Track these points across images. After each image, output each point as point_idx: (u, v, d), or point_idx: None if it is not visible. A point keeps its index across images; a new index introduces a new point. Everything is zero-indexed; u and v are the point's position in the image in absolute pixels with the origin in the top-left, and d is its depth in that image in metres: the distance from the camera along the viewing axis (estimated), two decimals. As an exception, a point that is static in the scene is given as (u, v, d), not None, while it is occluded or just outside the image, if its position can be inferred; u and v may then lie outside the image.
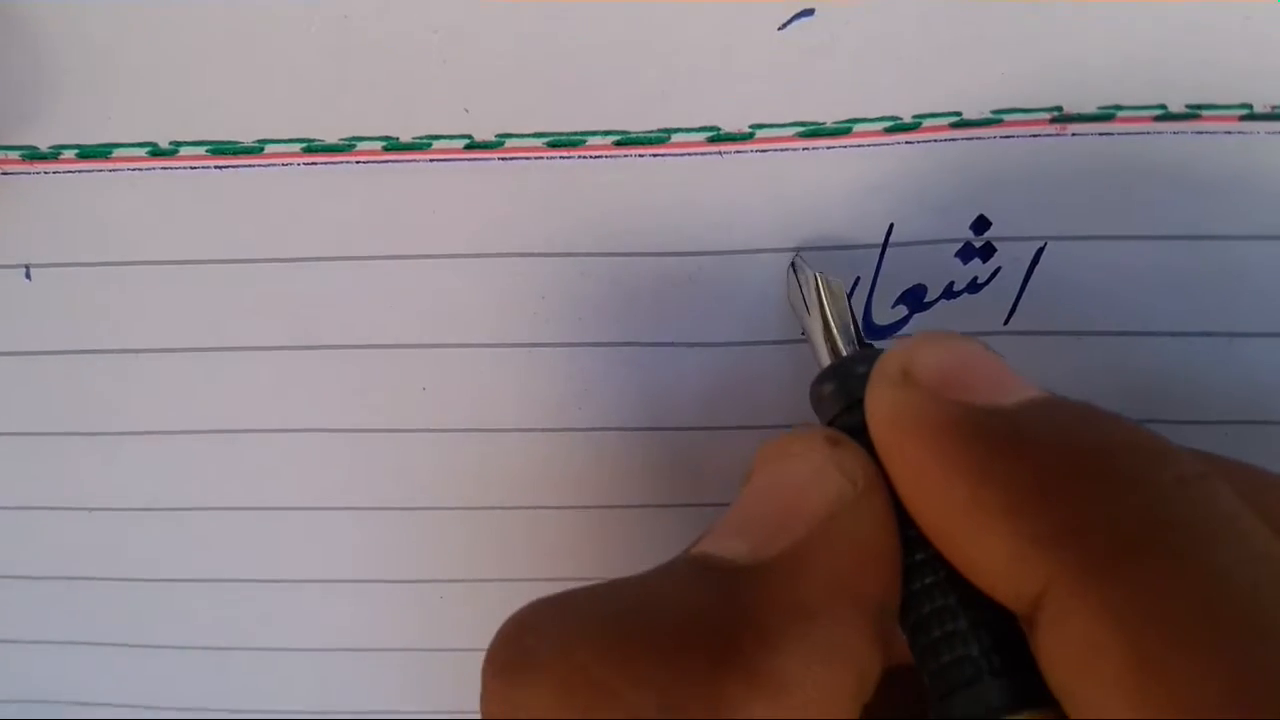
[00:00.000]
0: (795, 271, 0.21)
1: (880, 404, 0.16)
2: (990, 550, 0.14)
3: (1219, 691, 0.12)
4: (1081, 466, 0.14)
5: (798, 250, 0.22)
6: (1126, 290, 0.22)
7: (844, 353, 0.19)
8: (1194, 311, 0.22)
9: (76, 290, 0.23)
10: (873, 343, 0.20)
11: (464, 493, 0.25)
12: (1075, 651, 0.13)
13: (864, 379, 0.17)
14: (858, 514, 0.16)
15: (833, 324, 0.19)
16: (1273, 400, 0.23)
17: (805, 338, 0.20)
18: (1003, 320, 0.22)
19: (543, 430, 0.24)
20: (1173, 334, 0.22)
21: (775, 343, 0.23)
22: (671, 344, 0.23)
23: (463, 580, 0.26)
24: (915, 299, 0.22)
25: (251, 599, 0.26)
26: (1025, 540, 0.14)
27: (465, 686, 0.26)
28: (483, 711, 0.15)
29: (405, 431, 0.24)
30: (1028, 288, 0.22)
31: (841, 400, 0.18)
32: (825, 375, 0.18)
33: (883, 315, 0.22)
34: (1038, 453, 0.15)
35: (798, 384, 0.23)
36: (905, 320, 0.23)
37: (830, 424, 0.18)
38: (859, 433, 0.17)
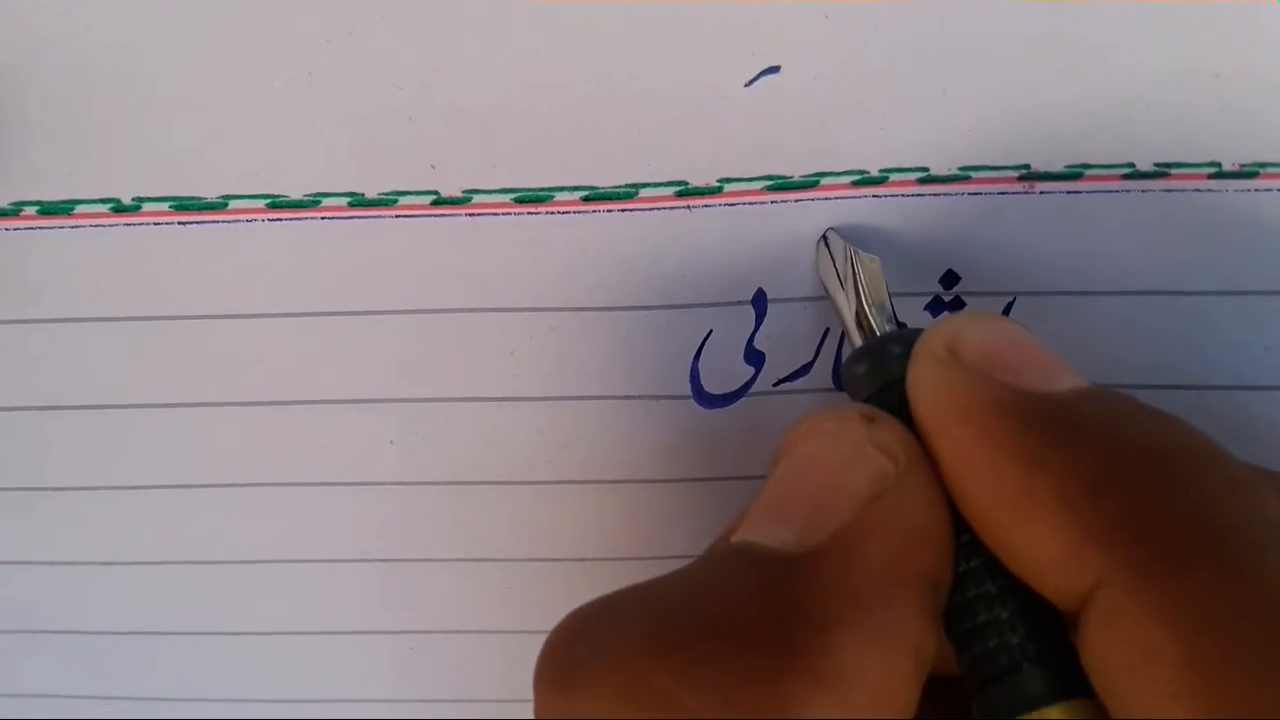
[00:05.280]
0: (827, 245, 0.20)
1: (925, 383, 0.16)
2: (1040, 542, 0.14)
3: (1274, 698, 0.12)
4: (1139, 463, 0.14)
5: (830, 229, 0.21)
6: (1096, 344, 0.22)
7: (879, 331, 0.19)
8: (1164, 365, 0.22)
9: (39, 347, 0.23)
10: (906, 325, 0.19)
11: (435, 546, 0.24)
12: (1126, 651, 0.13)
13: (900, 360, 0.17)
14: (902, 493, 0.15)
15: (866, 302, 0.19)
16: (1243, 453, 0.23)
17: (837, 316, 0.19)
18: (973, 374, 0.22)
19: (513, 484, 0.24)
20: (1143, 387, 0.22)
21: (748, 395, 0.23)
22: (640, 397, 0.23)
23: (431, 632, 0.25)
24: (885, 353, 0.22)
25: (219, 651, 0.26)
26: (1079, 535, 0.14)
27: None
28: None
29: (372, 485, 0.24)
30: (997, 343, 0.22)
31: (876, 381, 0.17)
32: (859, 355, 0.18)
33: (853, 368, 0.22)
34: (1094, 445, 0.14)
35: (772, 435, 0.23)
36: (876, 373, 0.22)
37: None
38: (896, 414, 0.16)
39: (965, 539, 0.15)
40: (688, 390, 0.23)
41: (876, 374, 0.17)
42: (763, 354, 0.22)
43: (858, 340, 0.19)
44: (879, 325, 0.19)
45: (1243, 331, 0.22)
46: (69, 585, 0.25)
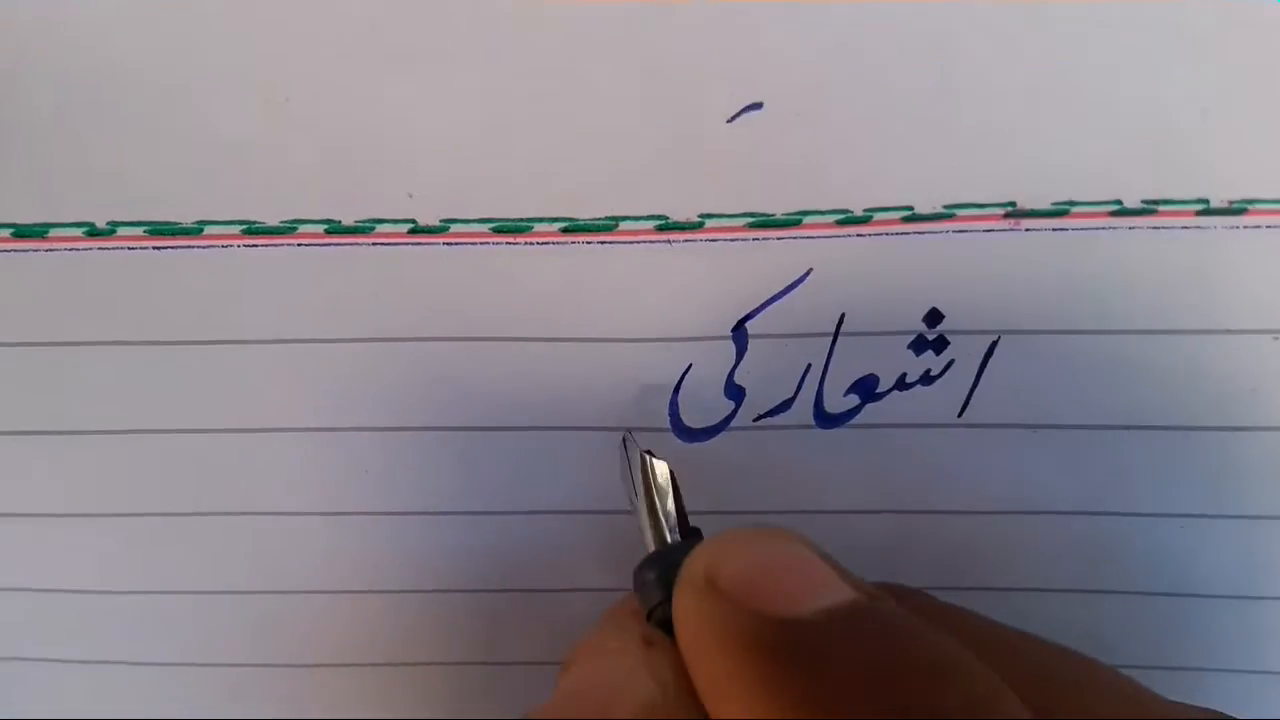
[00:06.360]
0: (625, 449, 0.21)
1: (683, 612, 0.16)
2: None
3: None
4: (871, 689, 0.14)
5: (629, 429, 0.21)
6: (1082, 384, 0.22)
7: (667, 539, 0.19)
8: (1150, 405, 0.22)
9: (13, 371, 0.22)
10: (698, 528, 0.20)
11: (409, 576, 0.24)
12: None
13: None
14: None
15: (658, 509, 0.19)
16: (1230, 494, 0.22)
17: (633, 514, 0.20)
18: (956, 412, 0.22)
19: (489, 514, 0.23)
20: (1128, 427, 0.22)
21: (728, 430, 0.22)
22: (620, 429, 0.22)
23: (407, 664, 0.25)
24: (867, 389, 0.22)
25: (191, 680, 0.25)
26: None
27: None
28: None
29: (347, 514, 0.23)
30: (982, 380, 0.22)
31: (661, 591, 0.17)
32: (647, 563, 0.18)
33: (835, 404, 0.22)
34: (828, 672, 0.14)
35: (752, 471, 0.23)
36: (858, 409, 0.22)
37: (651, 612, 0.18)
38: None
39: None
40: (667, 423, 0.22)
41: (662, 584, 0.17)
42: (743, 389, 0.22)
43: (650, 544, 0.19)
44: (668, 532, 0.19)
45: (1230, 371, 0.21)
46: (44, 608, 0.25)
